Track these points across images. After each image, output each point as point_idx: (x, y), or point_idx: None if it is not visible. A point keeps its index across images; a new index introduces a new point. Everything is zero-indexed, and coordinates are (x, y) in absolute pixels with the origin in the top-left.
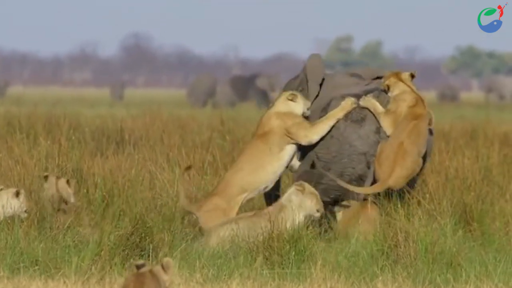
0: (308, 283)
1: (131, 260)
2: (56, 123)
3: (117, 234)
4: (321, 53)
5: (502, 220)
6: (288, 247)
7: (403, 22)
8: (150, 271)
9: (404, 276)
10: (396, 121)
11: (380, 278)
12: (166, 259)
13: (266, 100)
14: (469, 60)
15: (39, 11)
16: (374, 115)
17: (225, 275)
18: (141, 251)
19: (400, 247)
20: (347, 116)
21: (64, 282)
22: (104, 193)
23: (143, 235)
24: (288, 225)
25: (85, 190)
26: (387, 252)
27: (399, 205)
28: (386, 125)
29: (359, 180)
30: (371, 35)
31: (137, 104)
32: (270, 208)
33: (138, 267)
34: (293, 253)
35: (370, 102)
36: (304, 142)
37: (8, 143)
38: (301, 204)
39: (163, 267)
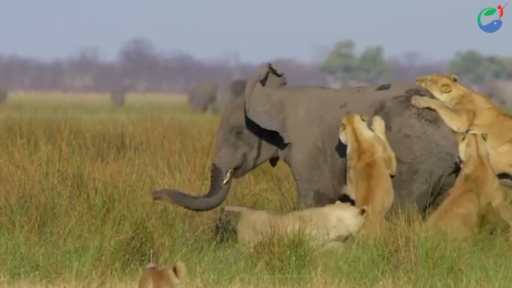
0: None
1: (131, 264)
2: (56, 128)
3: (118, 239)
4: (321, 59)
5: (502, 225)
6: (288, 252)
7: (403, 27)
8: (166, 271)
9: (404, 281)
10: (472, 119)
11: (381, 283)
12: (179, 263)
13: None
14: (470, 65)
15: (40, 17)
16: (439, 113)
17: (225, 280)
18: (142, 256)
19: (401, 252)
20: (419, 114)
21: (65, 287)
22: (105, 198)
23: (143, 240)
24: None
25: (85, 195)
26: (387, 257)
27: (399, 210)
28: (463, 123)
29: (437, 183)
30: (371, 40)
31: (137, 109)
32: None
33: (151, 269)
34: (294, 258)
35: (429, 101)
36: None
37: (8, 149)
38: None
39: (175, 271)
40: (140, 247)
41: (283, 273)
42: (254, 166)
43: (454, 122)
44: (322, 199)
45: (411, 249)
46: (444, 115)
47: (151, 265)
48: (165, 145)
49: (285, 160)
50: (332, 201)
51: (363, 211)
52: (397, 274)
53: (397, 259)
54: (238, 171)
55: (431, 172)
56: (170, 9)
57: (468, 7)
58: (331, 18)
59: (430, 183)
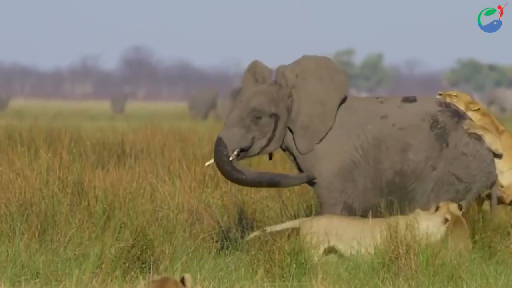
0: None
1: (132, 272)
2: (57, 136)
3: (118, 247)
4: None
5: (503, 232)
6: (289, 259)
7: (403, 35)
8: (174, 280)
9: None
10: None
11: None
12: (186, 275)
13: None
14: (470, 73)
15: (41, 25)
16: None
17: None
18: (142, 263)
19: (401, 260)
20: (433, 127)
21: None
22: (105, 206)
23: (144, 247)
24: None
25: (86, 203)
26: (388, 265)
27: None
28: (499, 145)
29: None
30: (372, 48)
31: (138, 117)
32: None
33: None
34: (294, 265)
35: (477, 126)
36: None
37: (9, 156)
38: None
39: (183, 282)
40: (140, 254)
41: (284, 281)
42: (257, 154)
43: (495, 144)
44: (351, 212)
45: (412, 257)
46: (489, 137)
47: (159, 277)
48: (165, 153)
49: (297, 161)
50: (357, 214)
51: (446, 220)
52: (398, 281)
53: (398, 267)
54: (241, 153)
55: (478, 191)
56: (171, 16)
57: (468, 15)
58: (332, 26)
59: (474, 202)
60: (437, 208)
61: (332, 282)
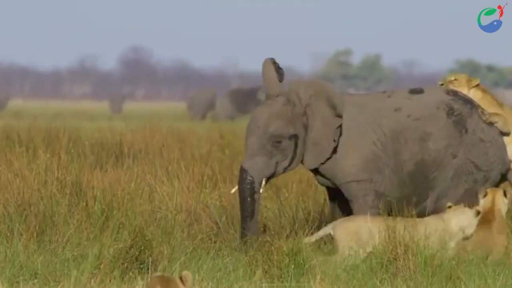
0: None
1: (130, 272)
2: (55, 136)
3: (117, 247)
4: (320, 67)
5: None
6: (287, 260)
7: (402, 36)
8: (174, 278)
9: None
10: None
11: None
12: (185, 272)
13: None
14: (469, 74)
15: (39, 25)
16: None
17: None
18: (141, 264)
19: (400, 260)
20: (449, 114)
21: None
22: (104, 206)
23: (142, 248)
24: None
25: (84, 203)
26: (386, 265)
27: (398, 219)
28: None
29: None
30: (370, 48)
31: (136, 117)
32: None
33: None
34: (293, 266)
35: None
36: None
37: (7, 157)
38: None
39: (182, 280)
40: (139, 255)
41: (282, 281)
42: (281, 173)
43: (507, 126)
44: (383, 200)
45: (410, 257)
46: (500, 121)
47: (159, 273)
48: (163, 153)
49: (318, 169)
50: (391, 203)
51: (478, 213)
52: (396, 282)
53: (396, 267)
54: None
55: (495, 180)
56: (169, 16)
57: (467, 15)
58: (330, 26)
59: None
60: (485, 195)
61: (331, 282)
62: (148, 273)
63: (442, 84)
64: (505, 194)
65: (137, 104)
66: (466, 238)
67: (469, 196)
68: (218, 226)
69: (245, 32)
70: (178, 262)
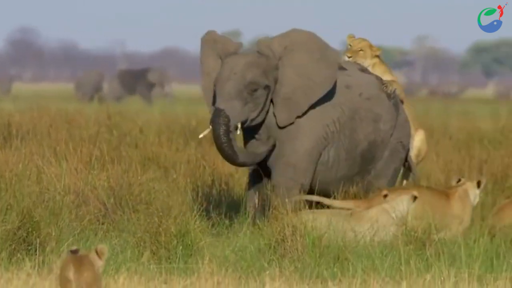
0: (195, 277)
1: (18, 254)
2: None
3: (4, 229)
4: None
5: None
6: (175, 241)
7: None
8: (87, 256)
9: (291, 270)
10: None
11: (268, 272)
12: (100, 246)
13: (151, 95)
14: None
15: None
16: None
17: (112, 270)
18: (28, 245)
19: (287, 242)
20: (389, 96)
21: None
22: None
23: (30, 229)
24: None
25: None
26: (274, 246)
27: (286, 200)
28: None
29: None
30: (259, 29)
31: (24, 98)
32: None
33: (73, 252)
34: (181, 247)
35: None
36: None
37: None
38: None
39: (97, 253)
40: (26, 236)
41: (170, 263)
42: (247, 126)
43: (403, 94)
44: (301, 192)
45: (298, 238)
46: (399, 89)
47: (74, 248)
48: (52, 134)
49: (272, 135)
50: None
51: (415, 198)
52: (284, 263)
53: (284, 248)
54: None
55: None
56: None
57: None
58: (219, 7)
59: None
60: (458, 181)
61: (219, 263)
62: (36, 254)
63: (350, 56)
64: (478, 185)
65: (25, 85)
66: (403, 223)
67: (396, 175)
68: (106, 208)
69: (132, 13)
70: (66, 244)
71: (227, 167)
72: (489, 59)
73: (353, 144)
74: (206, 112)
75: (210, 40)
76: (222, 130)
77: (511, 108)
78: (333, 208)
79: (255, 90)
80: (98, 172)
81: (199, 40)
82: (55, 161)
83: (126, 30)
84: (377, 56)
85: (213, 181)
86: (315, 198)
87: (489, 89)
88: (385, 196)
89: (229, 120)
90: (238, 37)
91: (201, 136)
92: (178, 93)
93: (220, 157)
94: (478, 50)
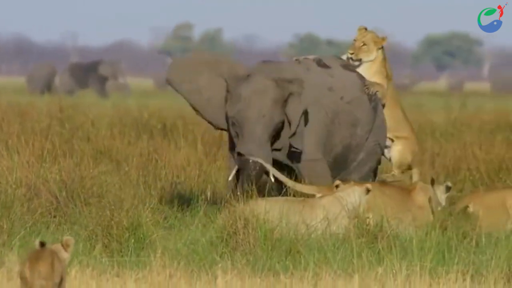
0: (147, 270)
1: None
2: None
3: None
4: (159, 41)
5: None
6: (127, 234)
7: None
8: (51, 249)
9: (243, 263)
10: None
11: (220, 265)
12: (66, 238)
13: (105, 88)
14: (309, 48)
15: None
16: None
17: None
18: None
19: (239, 234)
20: (370, 98)
21: None
22: None
23: None
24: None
25: None
26: (226, 239)
27: (238, 192)
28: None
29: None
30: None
31: None
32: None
33: (41, 244)
34: (133, 240)
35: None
36: None
37: None
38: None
39: (63, 245)
40: None
41: (122, 256)
42: None
43: (385, 99)
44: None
45: (250, 231)
46: (381, 93)
47: (42, 240)
48: (3, 127)
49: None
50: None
51: (368, 190)
52: (236, 256)
53: (236, 241)
54: None
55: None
56: None
57: None
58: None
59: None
60: (432, 181)
61: (171, 257)
62: None
63: (353, 53)
64: (448, 189)
65: None
66: (355, 216)
67: (370, 173)
68: (58, 201)
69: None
70: (17, 237)
71: (178, 160)
72: (441, 52)
73: (328, 148)
74: (158, 105)
75: (203, 60)
76: (254, 179)
77: (463, 101)
78: (295, 190)
79: (280, 129)
80: (50, 165)
81: (150, 34)
82: (7, 154)
83: (78, 23)
84: (382, 48)
85: (165, 174)
86: (281, 177)
87: (441, 82)
88: (337, 186)
89: (262, 168)
90: (189, 30)
91: (230, 178)
92: (131, 86)
93: (172, 150)
94: (430, 43)
